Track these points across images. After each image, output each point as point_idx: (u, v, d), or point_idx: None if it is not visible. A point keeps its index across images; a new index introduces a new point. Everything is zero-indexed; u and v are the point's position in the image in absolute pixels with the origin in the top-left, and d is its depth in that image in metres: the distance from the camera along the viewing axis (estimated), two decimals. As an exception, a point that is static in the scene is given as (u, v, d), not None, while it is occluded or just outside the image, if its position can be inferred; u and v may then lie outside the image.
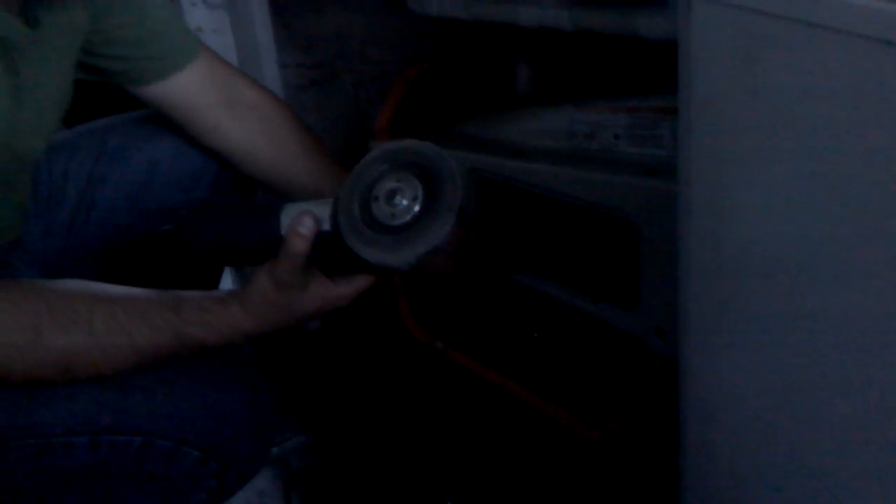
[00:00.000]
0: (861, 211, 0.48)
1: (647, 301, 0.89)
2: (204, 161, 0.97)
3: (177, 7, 1.26)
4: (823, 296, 0.52)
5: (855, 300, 0.50)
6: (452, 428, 1.14)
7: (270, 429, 0.79)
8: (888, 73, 0.44)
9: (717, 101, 0.56)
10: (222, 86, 0.94)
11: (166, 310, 0.70)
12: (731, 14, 0.51)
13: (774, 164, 0.52)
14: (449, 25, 1.13)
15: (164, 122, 0.95)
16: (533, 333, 1.19)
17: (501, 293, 1.19)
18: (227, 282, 1.42)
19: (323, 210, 0.72)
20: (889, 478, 0.52)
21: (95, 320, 0.68)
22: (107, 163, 0.96)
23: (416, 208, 0.69)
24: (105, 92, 0.93)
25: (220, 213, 0.79)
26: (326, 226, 0.71)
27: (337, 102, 1.38)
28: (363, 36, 1.36)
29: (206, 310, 0.70)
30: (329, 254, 0.71)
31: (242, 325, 0.71)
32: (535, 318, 1.18)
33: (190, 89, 0.91)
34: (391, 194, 0.70)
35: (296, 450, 1.14)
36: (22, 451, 0.69)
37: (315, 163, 0.97)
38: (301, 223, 0.69)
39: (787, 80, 0.49)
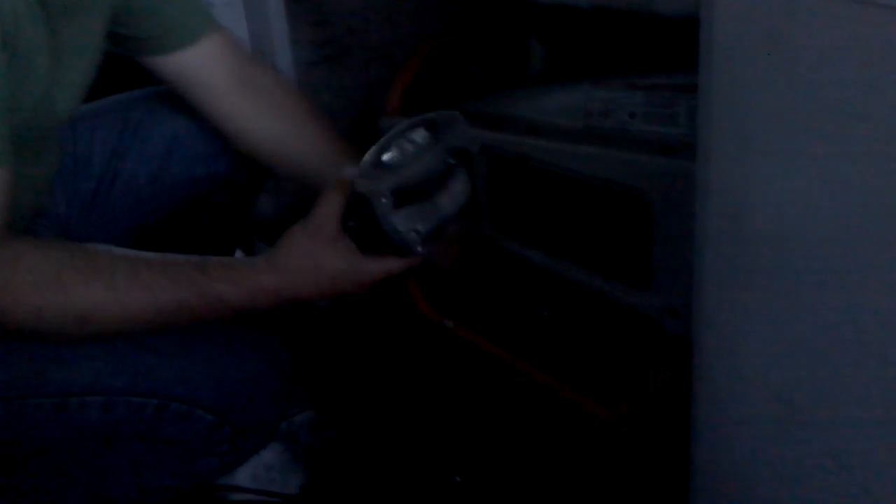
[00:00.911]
0: (887, 189, 0.47)
1: (659, 280, 0.89)
2: (222, 136, 0.97)
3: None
4: (845, 276, 0.52)
5: (879, 281, 0.49)
6: (460, 405, 1.14)
7: (284, 397, 0.80)
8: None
9: (738, 79, 0.55)
10: (236, 66, 0.94)
11: (191, 267, 0.70)
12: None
13: (798, 143, 0.52)
14: (462, 2, 1.12)
15: (172, 104, 0.96)
16: (543, 312, 1.19)
17: (512, 271, 1.19)
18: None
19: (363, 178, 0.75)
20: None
21: (117, 274, 0.68)
22: (130, 136, 0.97)
23: (424, 149, 0.74)
24: (125, 66, 0.93)
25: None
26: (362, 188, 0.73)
27: (348, 79, 1.38)
28: (376, 12, 1.35)
29: (232, 267, 0.71)
30: (360, 224, 0.73)
31: (267, 281, 0.71)
32: (545, 297, 1.18)
33: (204, 64, 0.91)
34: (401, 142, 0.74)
35: (304, 425, 1.14)
36: (39, 409, 0.70)
37: (327, 146, 0.97)
38: (337, 177, 0.70)
39: (814, 55, 0.48)
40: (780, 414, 0.61)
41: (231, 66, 0.93)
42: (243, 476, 1.03)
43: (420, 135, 0.78)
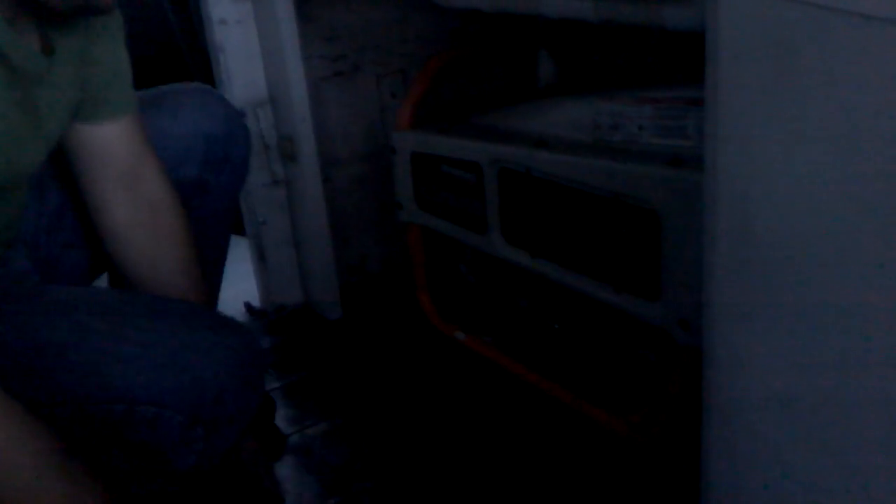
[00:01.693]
0: (894, 201, 0.47)
1: (670, 291, 0.89)
2: (190, 139, 0.97)
3: (202, 1, 1.27)
4: (854, 287, 0.52)
5: (888, 291, 0.50)
6: (471, 415, 1.14)
7: (258, 385, 0.79)
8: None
9: (744, 91, 0.56)
10: (137, 153, 0.91)
11: None
12: (762, 2, 0.51)
13: (805, 154, 0.52)
14: (472, 17, 1.13)
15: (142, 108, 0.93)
16: (554, 325, 1.19)
17: (523, 283, 1.20)
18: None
19: None
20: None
21: None
22: None
23: None
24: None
25: None
26: None
27: (359, 94, 1.39)
28: (386, 28, 1.37)
29: None
30: None
31: None
32: (556, 309, 1.18)
33: (113, 140, 0.89)
34: None
35: (317, 437, 1.15)
36: None
37: (181, 275, 0.92)
38: None
39: (820, 69, 0.49)
40: (792, 424, 0.61)
41: (135, 152, 0.91)
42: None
43: None
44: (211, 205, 1.02)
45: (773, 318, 0.60)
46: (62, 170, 0.93)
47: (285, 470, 1.09)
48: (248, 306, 1.45)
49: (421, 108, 1.20)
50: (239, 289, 1.43)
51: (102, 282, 1.03)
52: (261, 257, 1.41)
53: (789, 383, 0.60)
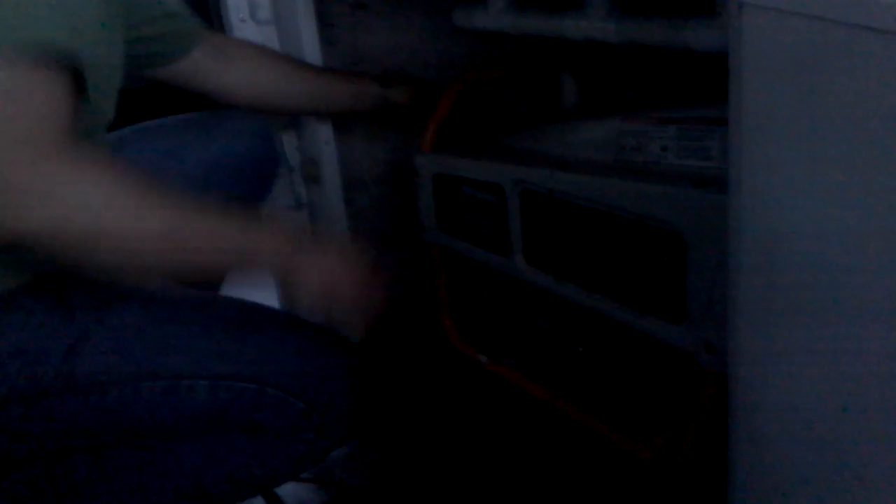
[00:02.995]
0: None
1: (695, 314, 0.88)
2: (220, 156, 1.07)
3: (226, 24, 1.28)
4: (885, 311, 0.51)
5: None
6: (494, 439, 1.13)
7: (359, 393, 0.86)
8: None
9: (768, 111, 0.55)
10: (221, 48, 1.08)
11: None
12: (785, 21, 0.51)
13: (830, 175, 0.51)
14: (494, 39, 1.13)
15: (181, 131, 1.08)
16: (578, 348, 1.18)
17: (546, 306, 1.19)
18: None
19: None
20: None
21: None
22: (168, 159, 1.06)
23: None
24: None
25: None
26: None
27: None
28: (409, 51, 1.37)
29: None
30: None
31: (278, 231, 0.78)
32: (580, 332, 1.17)
33: (198, 68, 1.05)
34: None
35: (339, 461, 1.14)
36: (151, 392, 0.77)
37: (307, 80, 1.14)
38: None
39: (844, 87, 0.48)
40: (819, 449, 0.60)
41: (219, 50, 1.07)
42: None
43: None
44: None
45: (800, 341, 0.59)
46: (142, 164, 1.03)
47: (304, 492, 1.08)
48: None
49: (443, 131, 1.20)
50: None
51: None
52: (283, 279, 1.41)
53: (816, 408, 0.59)
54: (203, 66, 1.06)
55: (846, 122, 0.49)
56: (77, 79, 0.70)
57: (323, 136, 1.30)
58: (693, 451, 0.95)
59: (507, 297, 1.29)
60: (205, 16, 1.63)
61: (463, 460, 1.11)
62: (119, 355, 0.76)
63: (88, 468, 0.84)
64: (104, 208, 0.68)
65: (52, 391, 0.74)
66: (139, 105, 1.03)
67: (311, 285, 0.80)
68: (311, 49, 1.24)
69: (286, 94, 1.14)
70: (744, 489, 0.70)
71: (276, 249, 0.78)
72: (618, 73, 1.17)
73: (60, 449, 0.82)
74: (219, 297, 0.92)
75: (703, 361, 0.89)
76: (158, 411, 0.78)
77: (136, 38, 0.94)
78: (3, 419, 0.75)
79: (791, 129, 0.54)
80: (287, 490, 1.07)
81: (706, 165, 0.88)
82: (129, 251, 0.71)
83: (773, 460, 0.65)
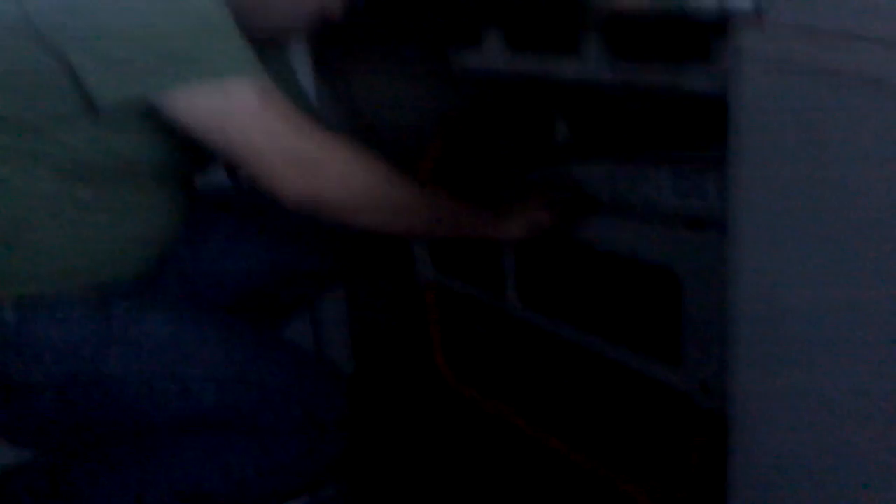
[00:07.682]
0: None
1: (690, 355, 0.88)
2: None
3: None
4: (878, 354, 0.51)
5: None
6: (485, 478, 1.12)
7: (347, 405, 0.93)
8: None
9: (767, 161, 0.56)
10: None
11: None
12: (785, 72, 0.52)
13: (829, 221, 0.52)
14: (488, 81, 1.14)
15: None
16: (572, 387, 1.18)
17: (540, 345, 1.19)
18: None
19: None
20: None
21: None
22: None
23: None
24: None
25: None
26: None
27: (377, 155, 1.40)
28: (405, 90, 1.38)
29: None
30: None
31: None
32: (575, 372, 1.17)
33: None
34: None
35: (330, 499, 1.13)
36: (165, 394, 0.84)
37: None
38: None
39: (844, 137, 0.49)
40: (816, 490, 0.60)
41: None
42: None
43: None
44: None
45: (797, 383, 0.59)
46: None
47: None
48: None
49: (439, 170, 1.21)
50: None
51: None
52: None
53: (814, 450, 0.59)
54: None
55: (849, 171, 0.50)
56: None
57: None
58: (690, 492, 0.95)
59: (500, 335, 1.29)
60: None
61: (455, 499, 1.10)
62: (141, 358, 0.84)
63: (89, 468, 0.90)
64: (371, 176, 0.86)
65: (80, 382, 0.83)
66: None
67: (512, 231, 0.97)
68: (306, 84, 1.25)
69: None
70: (742, 532, 0.69)
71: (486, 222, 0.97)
72: (611, 114, 1.18)
73: (78, 438, 0.91)
74: (239, 321, 0.97)
75: (699, 402, 0.89)
76: (169, 411, 0.86)
77: None
78: (38, 403, 0.85)
79: (791, 176, 0.54)
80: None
81: (702, 206, 0.89)
82: (392, 213, 0.88)
83: (772, 501, 0.65)
